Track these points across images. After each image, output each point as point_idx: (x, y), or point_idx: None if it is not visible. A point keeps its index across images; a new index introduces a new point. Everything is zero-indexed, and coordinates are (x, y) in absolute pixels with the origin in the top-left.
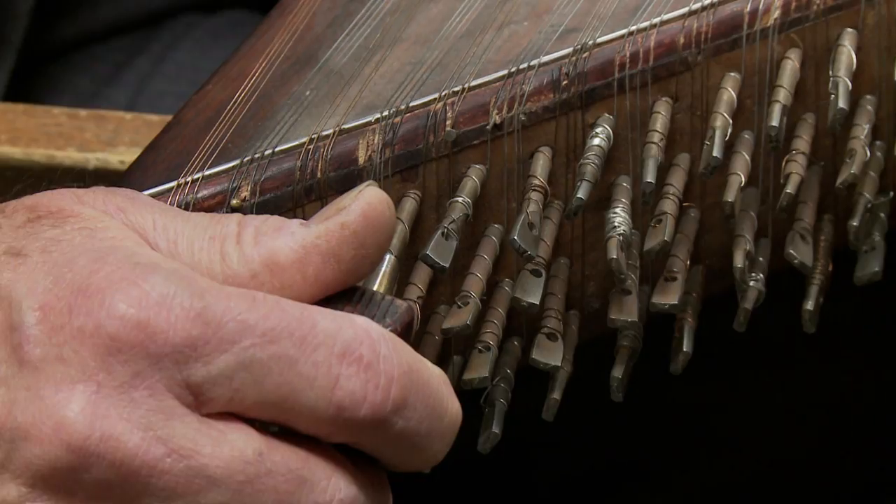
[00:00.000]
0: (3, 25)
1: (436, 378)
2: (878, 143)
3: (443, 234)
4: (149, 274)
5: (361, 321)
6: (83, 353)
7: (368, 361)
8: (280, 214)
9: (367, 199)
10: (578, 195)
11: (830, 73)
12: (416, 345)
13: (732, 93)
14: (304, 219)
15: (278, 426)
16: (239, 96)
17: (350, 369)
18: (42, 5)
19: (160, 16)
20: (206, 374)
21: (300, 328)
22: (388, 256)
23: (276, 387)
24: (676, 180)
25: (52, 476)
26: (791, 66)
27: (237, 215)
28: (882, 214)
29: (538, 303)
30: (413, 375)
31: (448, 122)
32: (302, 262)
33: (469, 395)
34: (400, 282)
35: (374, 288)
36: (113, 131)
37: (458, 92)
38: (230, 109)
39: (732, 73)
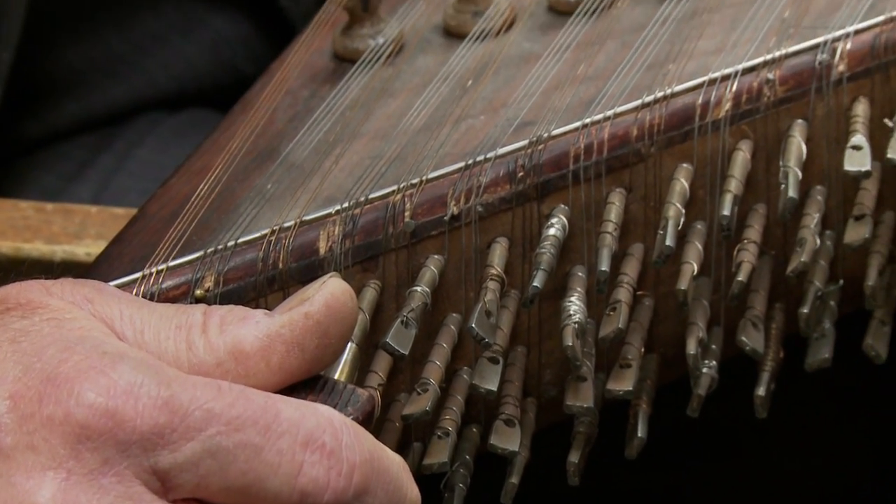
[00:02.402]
0: None
1: (396, 465)
2: (827, 232)
3: (402, 322)
4: (116, 363)
5: (324, 410)
6: (53, 440)
7: (331, 449)
8: (243, 304)
9: (330, 290)
10: (535, 284)
11: (781, 163)
12: (377, 431)
13: (685, 183)
14: (266, 309)
15: None
16: (202, 190)
17: (313, 457)
18: (7, 103)
19: (124, 114)
20: (172, 461)
21: (264, 416)
22: (349, 345)
23: (242, 474)
24: (630, 269)
25: None
26: (742, 156)
27: (202, 305)
28: (832, 302)
29: (496, 389)
30: (374, 463)
31: (407, 214)
32: (266, 351)
33: (429, 481)
34: (361, 369)
35: (336, 376)
36: (79, 224)
37: (416, 184)
38: (193, 202)
39: (685, 164)
